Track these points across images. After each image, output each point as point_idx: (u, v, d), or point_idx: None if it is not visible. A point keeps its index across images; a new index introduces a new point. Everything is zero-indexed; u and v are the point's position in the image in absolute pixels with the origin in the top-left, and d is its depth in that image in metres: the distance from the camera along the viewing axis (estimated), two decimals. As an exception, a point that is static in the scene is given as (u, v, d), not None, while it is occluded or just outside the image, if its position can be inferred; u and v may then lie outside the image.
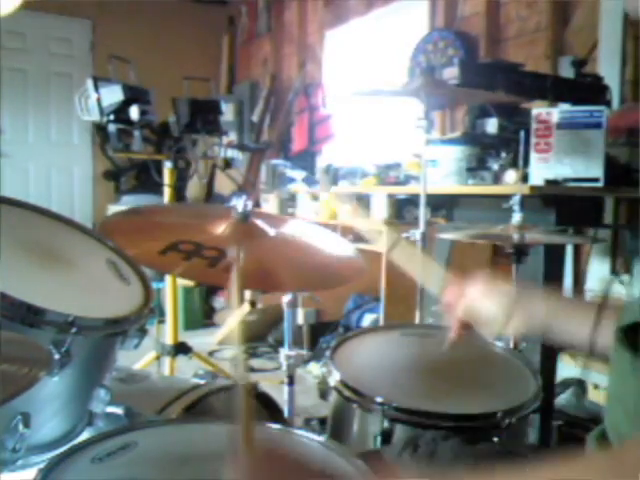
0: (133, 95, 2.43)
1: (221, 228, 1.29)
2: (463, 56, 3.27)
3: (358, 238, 1.67)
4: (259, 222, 1.34)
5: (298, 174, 3.96)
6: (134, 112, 2.40)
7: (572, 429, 2.19)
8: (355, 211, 1.72)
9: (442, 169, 2.38)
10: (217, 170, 4.82)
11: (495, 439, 1.07)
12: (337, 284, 1.44)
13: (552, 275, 2.14)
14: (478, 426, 1.10)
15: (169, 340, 2.72)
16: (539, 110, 2.13)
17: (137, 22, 5.41)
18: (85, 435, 1.10)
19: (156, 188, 3.01)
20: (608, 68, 2.80)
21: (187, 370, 2.73)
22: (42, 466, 0.82)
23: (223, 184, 4.88)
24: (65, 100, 5.05)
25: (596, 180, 2.08)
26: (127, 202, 4.99)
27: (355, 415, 1.17)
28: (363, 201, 3.35)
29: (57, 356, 0.97)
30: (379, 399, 1.10)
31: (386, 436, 1.08)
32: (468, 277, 1.04)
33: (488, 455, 0.93)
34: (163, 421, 1.13)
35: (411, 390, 1.19)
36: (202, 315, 4.34)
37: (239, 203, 1.32)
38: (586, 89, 2.56)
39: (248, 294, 3.79)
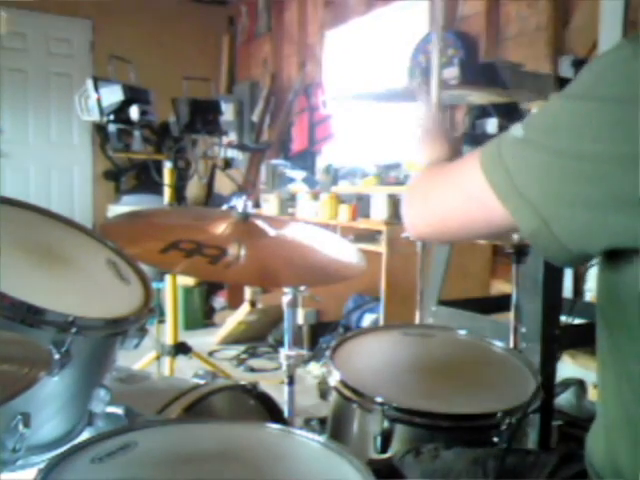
0: (133, 95, 2.43)
1: (221, 228, 1.30)
2: (463, 56, 3.26)
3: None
4: (259, 222, 1.34)
5: (298, 174, 3.96)
6: (134, 112, 2.40)
7: (572, 429, 2.18)
8: None
9: (442, 169, 2.38)
10: (217, 170, 4.82)
11: (495, 439, 1.07)
12: (336, 281, 1.45)
13: (552, 275, 2.13)
14: (478, 426, 1.10)
15: (169, 340, 2.72)
16: (539, 110, 2.13)
17: (137, 22, 5.41)
18: (85, 435, 1.10)
19: (156, 188, 3.01)
20: (608, 68, 2.80)
21: (187, 370, 2.72)
22: (42, 466, 0.82)
23: (223, 184, 4.89)
24: (65, 100, 5.04)
25: (596, 180, 2.08)
26: (127, 202, 4.98)
27: (355, 415, 1.17)
28: (363, 201, 3.35)
29: (57, 356, 0.97)
30: (379, 399, 1.10)
31: (386, 436, 1.08)
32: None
33: (488, 458, 0.93)
34: (163, 421, 1.13)
35: (411, 390, 1.19)
36: (202, 315, 4.33)
37: (239, 203, 1.32)
38: (586, 89, 2.56)
39: (248, 294, 3.80)
